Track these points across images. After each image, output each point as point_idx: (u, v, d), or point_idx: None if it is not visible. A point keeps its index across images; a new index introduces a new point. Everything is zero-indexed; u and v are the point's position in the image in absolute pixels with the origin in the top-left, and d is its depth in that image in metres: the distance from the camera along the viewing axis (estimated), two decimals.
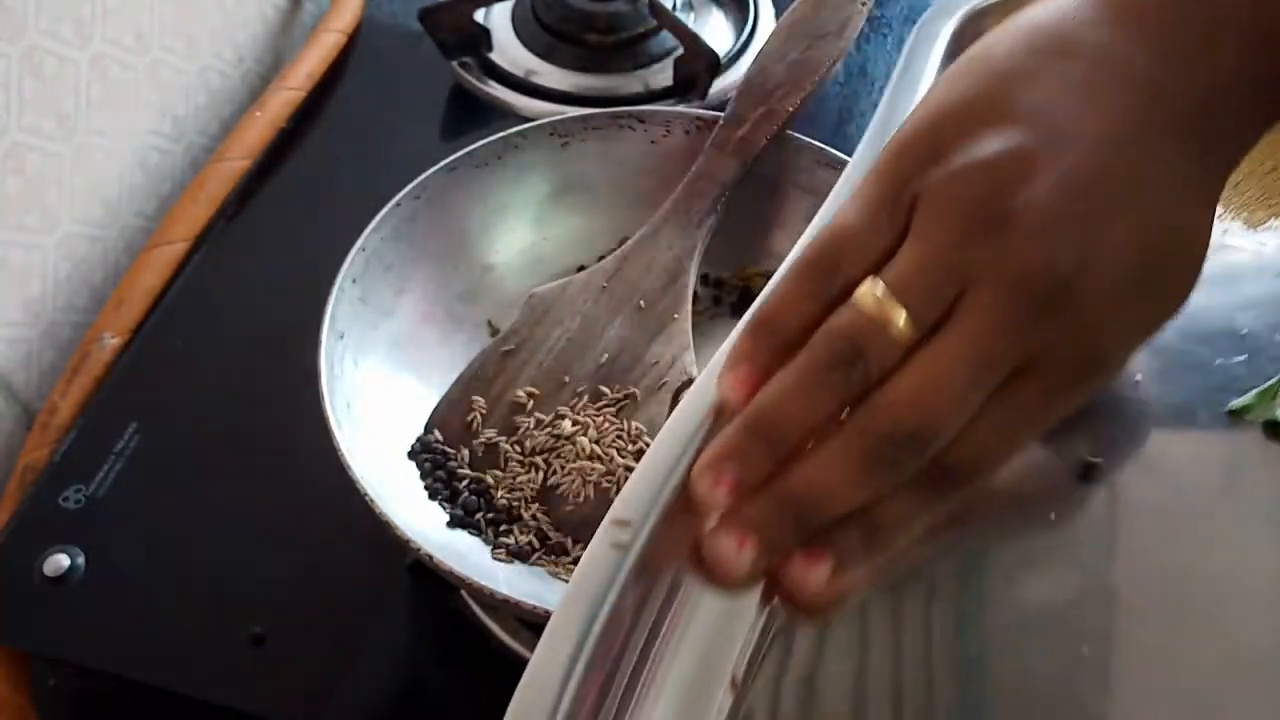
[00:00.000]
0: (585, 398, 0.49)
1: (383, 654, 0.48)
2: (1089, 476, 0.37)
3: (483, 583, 0.39)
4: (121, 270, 0.64)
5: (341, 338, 0.47)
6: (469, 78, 0.72)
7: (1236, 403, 0.38)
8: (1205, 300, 0.41)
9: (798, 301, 0.31)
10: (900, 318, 0.29)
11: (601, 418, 0.48)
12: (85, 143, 0.61)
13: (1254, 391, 0.38)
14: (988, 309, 0.29)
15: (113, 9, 0.61)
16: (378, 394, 0.48)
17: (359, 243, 0.49)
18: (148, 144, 0.66)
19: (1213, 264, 0.41)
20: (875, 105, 0.72)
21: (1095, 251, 0.29)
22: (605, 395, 0.49)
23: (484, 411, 0.49)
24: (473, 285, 0.55)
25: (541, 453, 0.48)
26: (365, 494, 0.41)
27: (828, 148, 0.53)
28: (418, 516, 0.45)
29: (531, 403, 0.49)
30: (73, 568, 0.49)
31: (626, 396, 0.49)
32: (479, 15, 0.73)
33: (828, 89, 0.74)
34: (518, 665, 0.47)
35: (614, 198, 0.57)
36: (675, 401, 0.49)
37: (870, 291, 0.29)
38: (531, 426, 0.48)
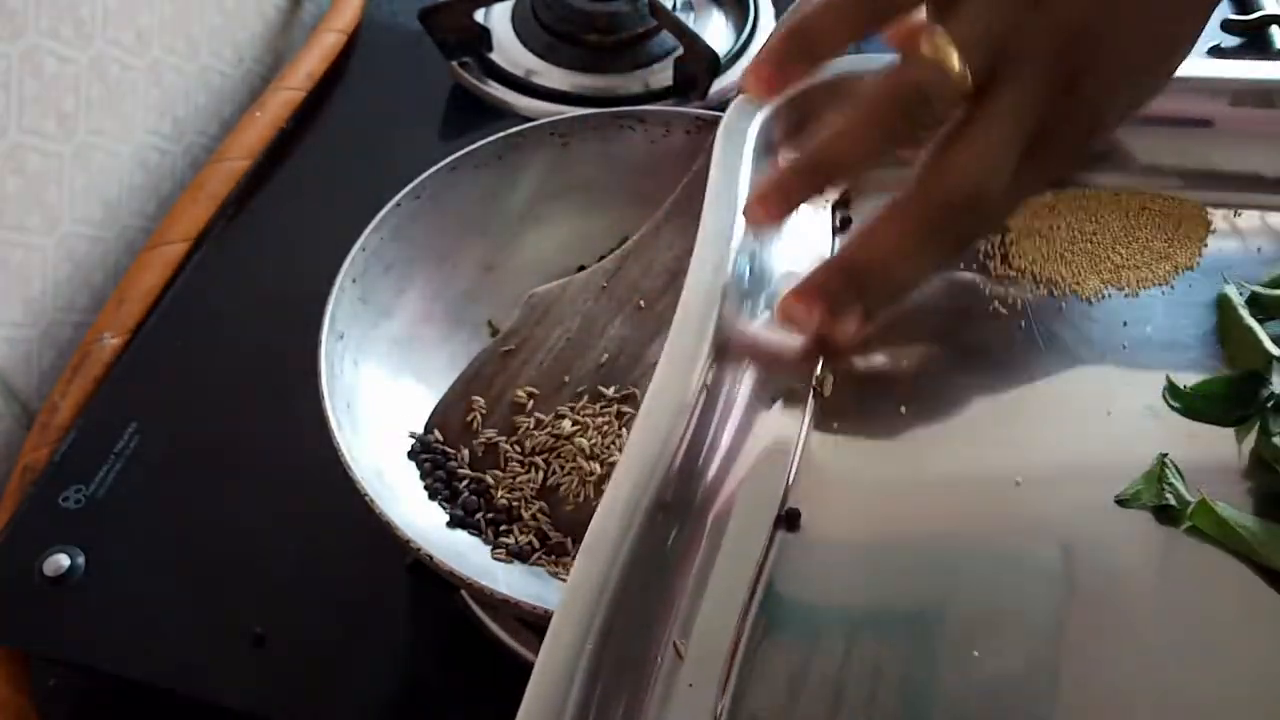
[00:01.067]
0: (585, 398, 0.49)
1: (383, 654, 0.48)
2: (791, 524, 0.37)
3: (483, 583, 0.39)
4: (121, 270, 0.64)
5: (341, 338, 0.47)
6: (469, 78, 0.72)
7: (1123, 491, 0.37)
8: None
9: (841, 17, 0.33)
10: (967, 77, 0.31)
11: (602, 418, 0.48)
12: (85, 143, 0.61)
13: (1139, 476, 0.37)
14: (1031, 81, 0.31)
15: (113, 9, 0.61)
16: (378, 394, 0.48)
17: (359, 243, 0.49)
18: (148, 144, 0.66)
19: (1059, 338, 0.42)
20: None
21: (1112, 43, 0.32)
22: (605, 395, 0.49)
23: (484, 411, 0.49)
24: (473, 285, 0.55)
25: (541, 453, 0.48)
26: (365, 494, 0.41)
27: None
28: (418, 516, 0.45)
29: (531, 403, 0.49)
30: (73, 568, 0.49)
31: (626, 397, 0.49)
32: (479, 15, 0.73)
33: None
34: (518, 665, 0.47)
35: (614, 198, 0.57)
36: None
37: (948, 48, 0.31)
38: (531, 426, 0.48)
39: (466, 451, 0.48)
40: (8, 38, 0.54)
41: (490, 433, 0.48)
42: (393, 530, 0.40)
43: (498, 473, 0.48)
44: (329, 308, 0.46)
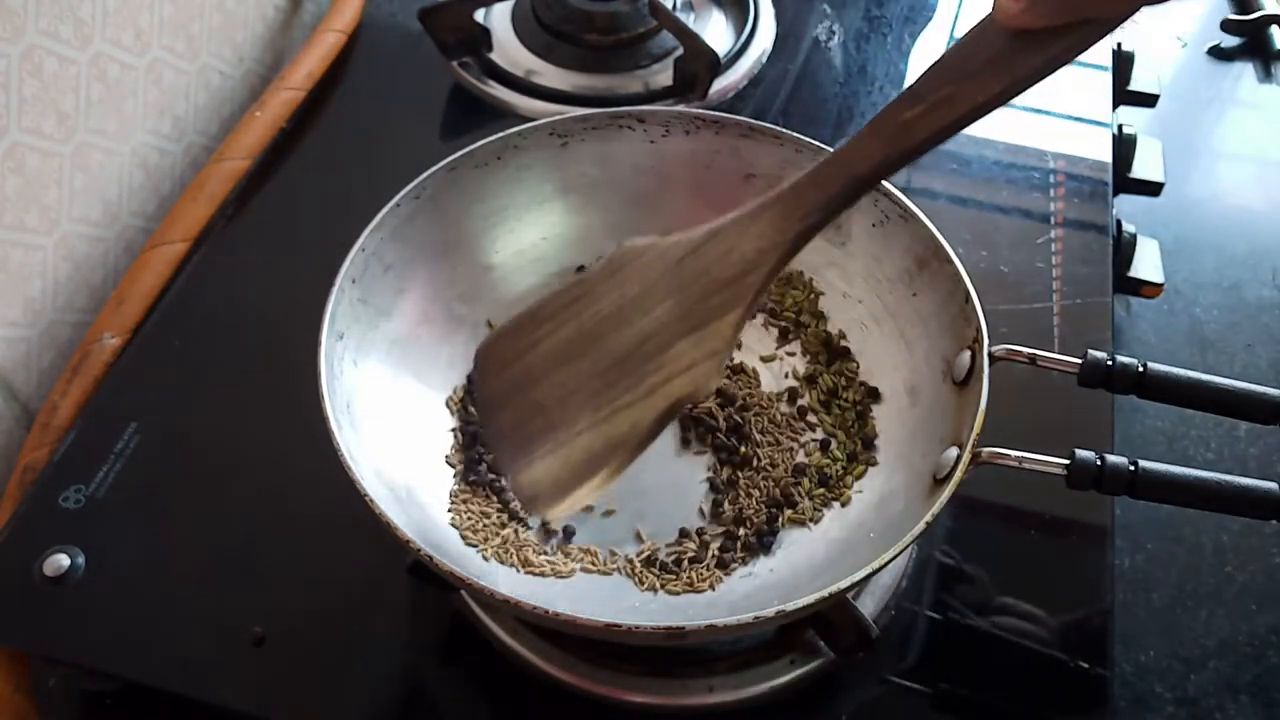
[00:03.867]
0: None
1: (383, 654, 0.48)
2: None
3: (483, 583, 0.39)
4: (121, 270, 0.64)
5: (341, 338, 0.47)
6: (469, 78, 0.72)
7: None
8: None
9: None
10: None
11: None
12: (85, 143, 0.61)
13: None
14: None
15: (113, 9, 0.61)
16: (378, 394, 0.48)
17: (359, 243, 0.49)
18: (148, 144, 0.66)
19: None
20: (875, 106, 0.72)
21: None
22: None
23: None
24: (473, 285, 0.55)
25: None
26: (365, 494, 0.41)
27: (827, 148, 0.53)
28: (418, 516, 0.45)
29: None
30: (73, 568, 0.49)
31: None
32: (479, 15, 0.73)
33: (827, 89, 0.74)
34: (517, 665, 0.47)
35: (614, 198, 0.57)
36: (669, 415, 0.44)
37: None
38: None
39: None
40: (8, 38, 0.54)
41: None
42: (393, 530, 0.40)
43: None
44: (329, 308, 0.46)
